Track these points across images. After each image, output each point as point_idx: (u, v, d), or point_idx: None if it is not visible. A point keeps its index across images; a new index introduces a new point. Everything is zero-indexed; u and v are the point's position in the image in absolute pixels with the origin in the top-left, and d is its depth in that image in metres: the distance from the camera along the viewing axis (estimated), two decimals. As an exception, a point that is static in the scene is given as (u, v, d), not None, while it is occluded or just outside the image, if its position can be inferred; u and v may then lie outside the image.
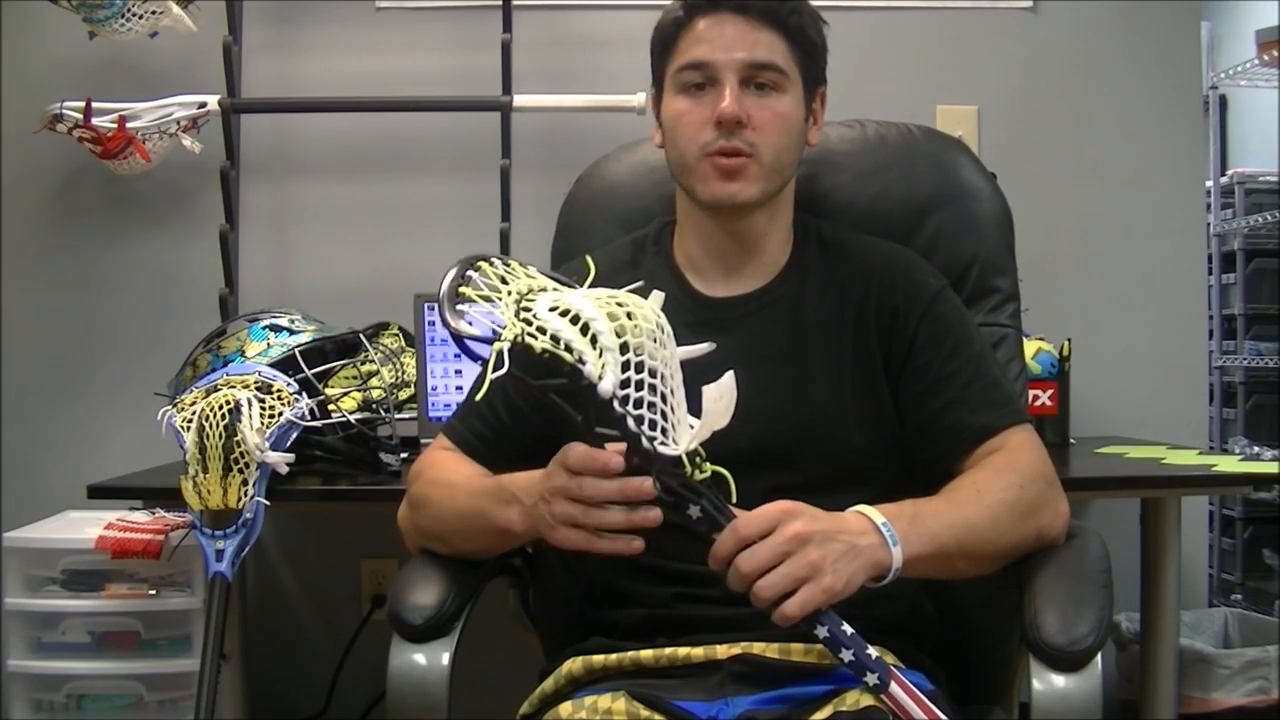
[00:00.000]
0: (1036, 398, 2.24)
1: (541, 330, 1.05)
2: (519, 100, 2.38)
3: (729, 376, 1.11)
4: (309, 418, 1.89)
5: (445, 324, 1.08)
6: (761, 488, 1.37)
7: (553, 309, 1.07)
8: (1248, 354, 4.00)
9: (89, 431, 2.51)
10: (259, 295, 2.45)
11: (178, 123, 2.35)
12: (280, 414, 1.85)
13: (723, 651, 1.26)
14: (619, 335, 1.06)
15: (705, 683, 1.23)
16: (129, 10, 2.26)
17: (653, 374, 1.08)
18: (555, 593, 1.48)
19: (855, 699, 1.15)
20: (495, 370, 1.04)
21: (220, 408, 1.81)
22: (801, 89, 1.40)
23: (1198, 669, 2.33)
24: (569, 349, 1.05)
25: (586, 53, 2.53)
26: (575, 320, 1.06)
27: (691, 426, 1.12)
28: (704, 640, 1.27)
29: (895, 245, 1.51)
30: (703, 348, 1.16)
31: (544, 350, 1.04)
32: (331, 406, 1.95)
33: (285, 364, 1.98)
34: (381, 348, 2.16)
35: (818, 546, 1.13)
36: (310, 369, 1.97)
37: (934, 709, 1.14)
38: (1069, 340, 2.32)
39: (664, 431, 1.10)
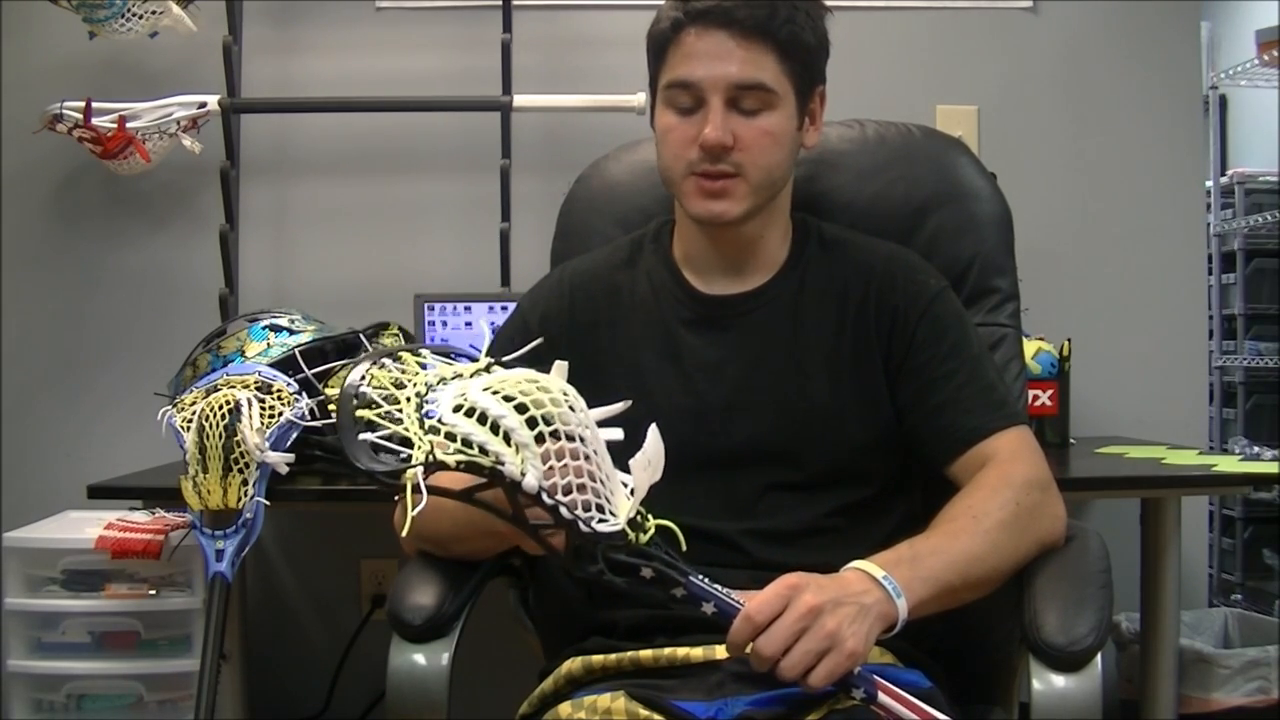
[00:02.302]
0: (1036, 398, 2.24)
1: (451, 437, 1.02)
2: (519, 100, 2.38)
3: (654, 439, 1.09)
4: (309, 418, 1.89)
5: (353, 464, 1.04)
6: (761, 484, 1.38)
7: (458, 408, 1.03)
8: (1248, 354, 4.00)
9: (89, 431, 2.51)
10: (259, 295, 2.46)
11: (178, 123, 2.35)
12: (280, 414, 1.84)
13: (722, 651, 1.25)
14: (532, 426, 1.02)
15: (704, 683, 1.22)
16: (129, 10, 2.26)
17: (575, 455, 1.04)
18: (555, 593, 1.48)
19: (850, 700, 1.15)
20: (415, 498, 1.00)
21: (220, 408, 1.81)
22: (793, 100, 1.38)
23: (1198, 669, 2.33)
24: (484, 451, 1.01)
25: (586, 53, 2.53)
26: (483, 419, 1.02)
27: (625, 484, 1.10)
28: (703, 640, 1.27)
29: (897, 246, 1.52)
30: (617, 407, 1.13)
31: (459, 464, 1.01)
32: (331, 406, 1.94)
33: (285, 364, 1.98)
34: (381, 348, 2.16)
35: (830, 615, 1.12)
36: (310, 369, 1.97)
37: (926, 709, 1.14)
38: (1069, 340, 2.33)
39: (599, 509, 1.07)
